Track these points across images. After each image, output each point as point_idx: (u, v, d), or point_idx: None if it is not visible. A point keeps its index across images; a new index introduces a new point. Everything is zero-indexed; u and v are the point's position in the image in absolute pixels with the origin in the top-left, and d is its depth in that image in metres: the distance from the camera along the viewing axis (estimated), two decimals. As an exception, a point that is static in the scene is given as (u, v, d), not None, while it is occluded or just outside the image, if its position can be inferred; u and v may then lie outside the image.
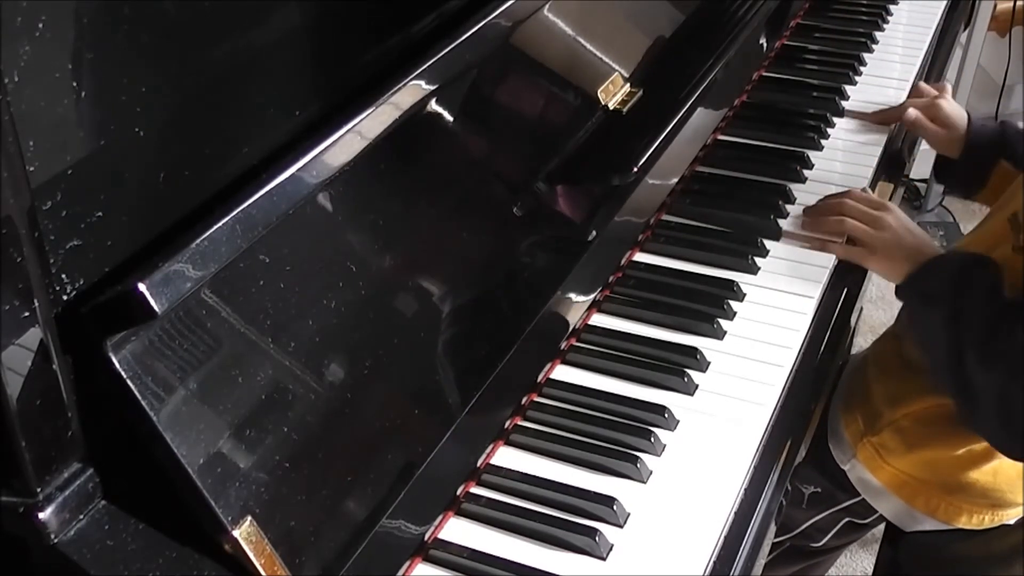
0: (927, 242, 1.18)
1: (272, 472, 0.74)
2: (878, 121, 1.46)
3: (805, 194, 1.30)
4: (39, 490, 0.67)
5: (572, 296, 1.04)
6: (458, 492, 0.91)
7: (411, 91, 0.89)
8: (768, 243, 1.21)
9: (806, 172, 1.35)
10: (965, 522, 1.24)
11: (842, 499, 1.33)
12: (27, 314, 0.62)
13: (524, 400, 0.99)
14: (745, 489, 0.94)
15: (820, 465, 1.31)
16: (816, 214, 1.25)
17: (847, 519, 1.36)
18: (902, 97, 1.53)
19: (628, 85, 1.18)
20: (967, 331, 1.06)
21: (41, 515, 0.67)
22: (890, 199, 1.36)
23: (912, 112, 1.41)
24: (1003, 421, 1.05)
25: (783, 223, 1.25)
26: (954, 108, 1.41)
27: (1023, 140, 1.34)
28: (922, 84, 1.49)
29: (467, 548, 0.87)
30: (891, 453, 1.24)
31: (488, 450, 0.95)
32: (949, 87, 1.47)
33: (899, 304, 1.24)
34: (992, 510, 1.23)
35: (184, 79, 0.73)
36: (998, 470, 1.20)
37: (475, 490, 0.92)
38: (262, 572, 0.71)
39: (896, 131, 1.47)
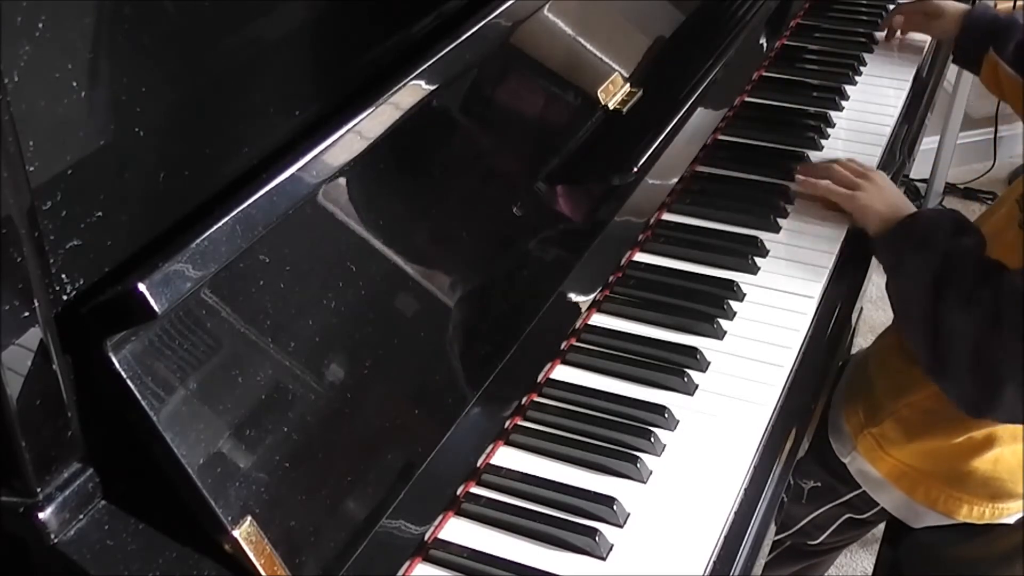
0: (910, 204, 1.23)
1: (272, 472, 0.74)
2: (882, 27, 1.64)
3: (805, 194, 1.30)
4: (39, 490, 0.67)
5: (572, 296, 1.04)
6: (458, 492, 0.91)
7: (411, 91, 0.89)
8: (768, 243, 1.21)
9: (806, 172, 1.35)
10: (965, 515, 1.24)
11: (842, 492, 1.33)
12: (27, 314, 0.62)
13: (524, 400, 0.99)
14: (745, 489, 0.94)
15: (820, 459, 1.31)
16: (805, 172, 1.30)
17: (846, 515, 1.36)
18: (902, 97, 1.53)
19: (628, 85, 1.18)
20: (954, 271, 1.08)
21: (41, 515, 0.67)
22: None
23: (899, 18, 1.60)
24: (975, 371, 1.06)
25: (783, 223, 1.25)
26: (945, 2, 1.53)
27: (1013, 35, 1.40)
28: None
29: (467, 548, 0.87)
30: (892, 444, 1.24)
31: (488, 450, 0.95)
32: None
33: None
34: (992, 502, 1.23)
35: (184, 79, 0.73)
36: (999, 459, 1.20)
37: (475, 490, 0.92)
38: (262, 572, 0.71)
39: (896, 131, 1.47)
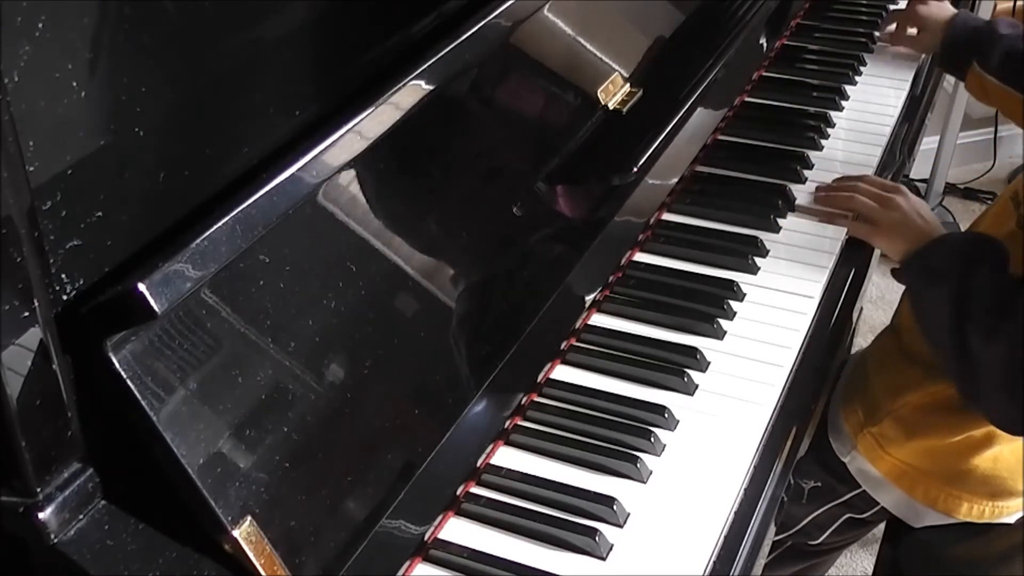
0: (936, 225, 1.20)
1: (272, 472, 0.74)
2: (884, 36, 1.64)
3: (805, 194, 1.30)
4: (39, 490, 0.67)
5: (572, 296, 1.04)
6: (458, 492, 0.91)
7: (411, 91, 0.89)
8: (768, 243, 1.22)
9: (806, 172, 1.35)
10: (965, 513, 1.24)
11: (842, 492, 1.33)
12: (27, 314, 0.62)
13: (524, 400, 0.99)
14: (745, 489, 0.94)
15: (820, 459, 1.31)
16: (829, 190, 1.28)
17: (847, 515, 1.36)
18: (902, 97, 1.53)
19: (628, 85, 1.18)
20: (972, 306, 1.07)
21: (41, 515, 0.67)
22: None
23: (889, 27, 1.61)
24: (1007, 395, 1.05)
25: (783, 223, 1.25)
26: (930, 10, 1.53)
27: (995, 45, 1.41)
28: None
29: (467, 548, 0.87)
30: (891, 443, 1.24)
31: (488, 450, 0.95)
32: None
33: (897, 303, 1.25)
34: (992, 500, 1.23)
35: (184, 79, 0.73)
36: (998, 457, 1.20)
37: (475, 490, 0.92)
38: (262, 572, 0.71)
39: (896, 131, 1.47)
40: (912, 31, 1.60)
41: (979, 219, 1.32)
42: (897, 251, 1.19)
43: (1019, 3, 2.49)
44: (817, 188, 1.29)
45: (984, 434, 1.19)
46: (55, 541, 0.67)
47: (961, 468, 1.22)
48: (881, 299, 2.36)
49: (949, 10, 1.52)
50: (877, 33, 1.67)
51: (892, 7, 1.74)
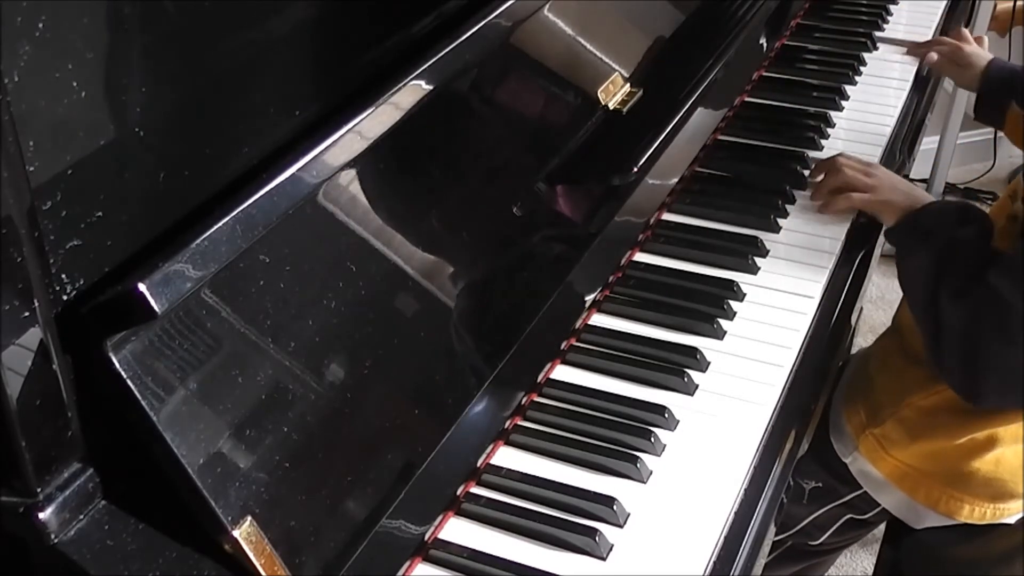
0: (920, 190, 1.25)
1: (272, 472, 0.74)
2: (910, 52, 1.63)
3: (805, 194, 1.30)
4: (39, 490, 0.67)
5: (572, 296, 1.04)
6: (458, 492, 0.91)
7: (411, 91, 0.89)
8: (768, 243, 1.22)
9: (806, 172, 1.35)
10: (967, 515, 1.24)
11: (843, 493, 1.33)
12: (27, 314, 0.62)
13: (524, 400, 0.99)
14: (745, 489, 0.94)
15: (821, 459, 1.31)
16: (816, 177, 1.31)
17: (847, 515, 1.36)
18: (902, 97, 1.53)
19: (628, 85, 1.18)
20: (950, 265, 1.10)
21: (41, 515, 0.67)
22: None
23: (933, 55, 1.58)
24: (963, 361, 1.08)
25: (783, 223, 1.25)
26: (975, 50, 1.56)
27: None
28: (942, 38, 1.63)
29: (467, 548, 0.87)
30: (894, 444, 1.24)
31: (488, 450, 0.95)
32: (967, 33, 1.61)
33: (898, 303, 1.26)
34: (993, 502, 1.23)
35: (184, 79, 0.73)
36: (1000, 459, 1.20)
37: (475, 490, 0.92)
38: (262, 572, 0.71)
39: (896, 131, 1.47)
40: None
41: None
42: (894, 212, 1.22)
43: (1019, 3, 2.49)
44: (810, 184, 1.32)
45: (987, 437, 1.19)
46: (55, 541, 0.67)
47: (963, 470, 1.22)
48: (881, 299, 2.36)
49: (987, 56, 1.55)
50: (877, 34, 1.67)
51: (893, 7, 1.74)
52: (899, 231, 1.20)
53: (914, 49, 1.63)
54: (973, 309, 1.07)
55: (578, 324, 1.08)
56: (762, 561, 0.94)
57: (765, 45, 1.55)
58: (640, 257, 1.19)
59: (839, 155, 1.31)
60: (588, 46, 1.16)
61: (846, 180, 1.26)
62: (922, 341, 1.15)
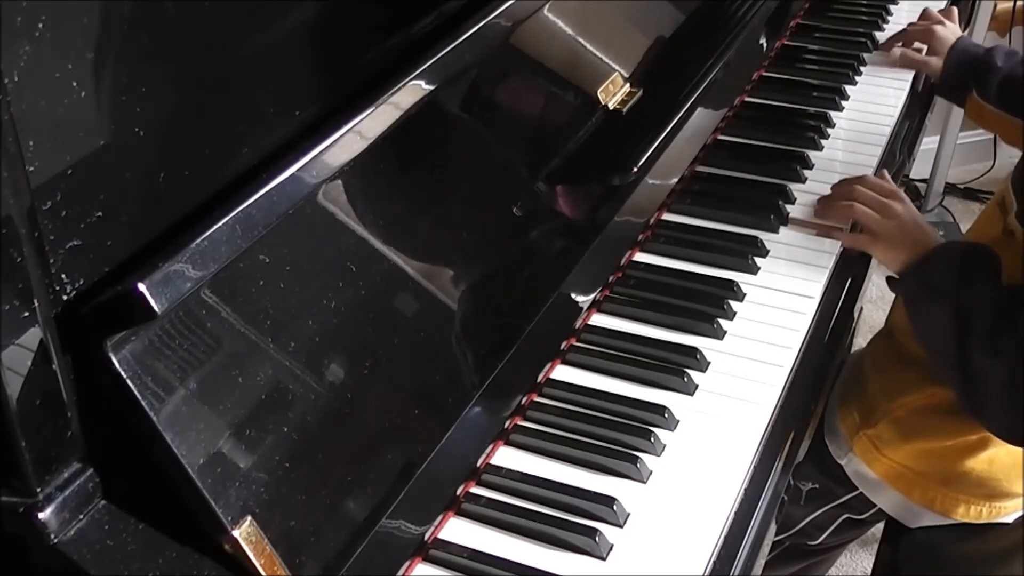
0: (932, 236, 1.18)
1: (272, 472, 0.74)
2: (881, 48, 1.63)
3: (805, 194, 1.30)
4: (39, 490, 0.67)
5: (572, 296, 1.04)
6: (458, 492, 0.91)
7: (411, 91, 0.89)
8: (768, 243, 1.21)
9: (806, 172, 1.35)
10: (963, 514, 1.24)
11: (840, 494, 1.33)
12: (27, 314, 0.62)
13: (524, 400, 0.99)
14: (745, 489, 0.94)
15: (817, 461, 1.31)
16: (828, 200, 1.27)
17: (845, 515, 1.36)
18: (902, 97, 1.53)
19: (628, 85, 1.18)
20: (972, 322, 1.06)
21: (41, 515, 0.67)
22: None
23: (896, 51, 1.58)
24: (1010, 408, 1.06)
25: (783, 223, 1.25)
26: (947, 33, 1.53)
27: (994, 75, 1.42)
28: (928, 9, 1.60)
29: (467, 548, 0.87)
30: (887, 445, 1.24)
31: (488, 450, 0.95)
32: (955, 12, 1.58)
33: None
34: (989, 501, 1.23)
35: (184, 79, 0.73)
36: (993, 459, 1.20)
37: (475, 490, 0.92)
38: (262, 572, 0.71)
39: (896, 131, 1.47)
40: (922, 47, 1.59)
41: (973, 224, 1.33)
42: (894, 261, 1.18)
43: (1019, 3, 2.49)
44: (818, 200, 1.28)
45: (979, 437, 1.19)
46: (55, 541, 0.67)
47: (957, 470, 1.22)
48: (881, 299, 2.36)
49: (956, 35, 1.54)
50: (877, 34, 1.67)
51: (892, 7, 1.74)
52: (905, 286, 1.17)
53: (885, 44, 1.62)
54: (1012, 361, 1.03)
55: (578, 324, 1.08)
56: (762, 561, 0.94)
57: (765, 45, 1.55)
58: (640, 257, 1.19)
59: (863, 180, 1.24)
60: (588, 46, 1.16)
61: (855, 216, 1.22)
62: (953, 390, 1.12)
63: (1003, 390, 1.05)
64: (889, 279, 1.19)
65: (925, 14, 1.59)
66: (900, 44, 1.61)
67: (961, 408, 1.14)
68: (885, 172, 1.31)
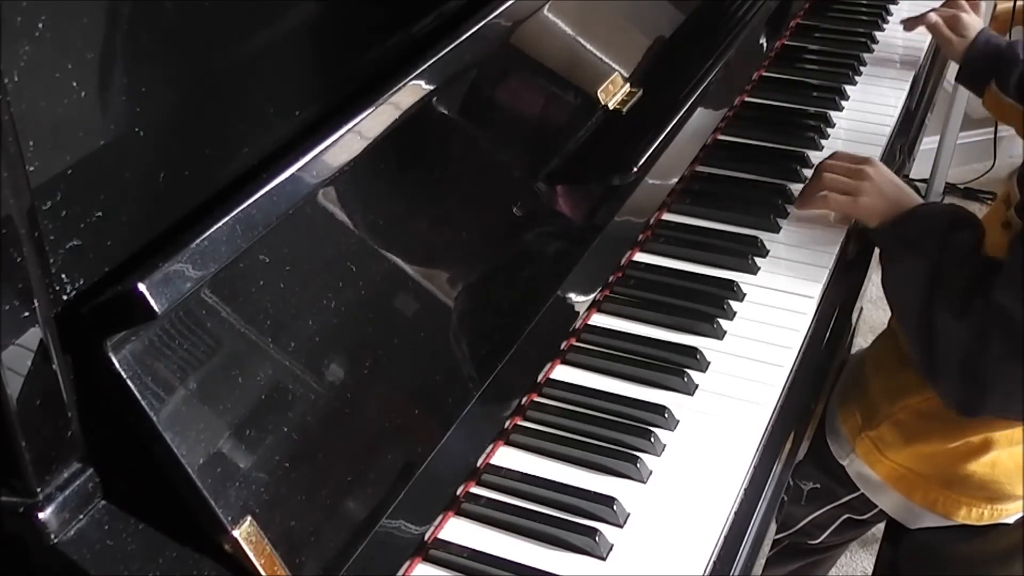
0: (910, 192, 1.21)
1: (272, 472, 0.74)
2: (908, 28, 1.62)
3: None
4: (39, 490, 0.67)
5: (572, 296, 1.04)
6: (458, 492, 0.91)
7: (411, 91, 0.89)
8: (768, 243, 1.21)
9: (806, 172, 1.35)
10: (964, 516, 1.24)
11: (841, 495, 1.33)
12: (27, 314, 0.62)
13: (524, 400, 0.99)
14: (745, 489, 0.94)
15: (818, 461, 1.31)
16: (803, 188, 1.28)
17: (846, 515, 1.36)
18: (902, 97, 1.53)
19: (628, 85, 1.18)
20: (945, 281, 1.08)
21: (41, 515, 0.67)
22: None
23: (933, 16, 1.56)
24: (963, 376, 1.07)
25: (783, 223, 1.25)
26: (973, 21, 1.53)
27: (1015, 68, 1.43)
28: (939, 8, 1.60)
29: (467, 548, 0.87)
30: (889, 447, 1.24)
31: (488, 450, 0.95)
32: (982, 5, 1.60)
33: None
34: (991, 503, 1.23)
35: (184, 79, 0.73)
36: (996, 462, 1.20)
37: (475, 490, 0.92)
38: (262, 572, 0.71)
39: (896, 131, 1.47)
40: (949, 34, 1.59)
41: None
42: (875, 218, 1.20)
43: (1019, 3, 2.49)
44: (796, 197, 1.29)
45: (982, 440, 1.19)
46: (55, 541, 0.67)
47: (959, 473, 1.22)
48: (881, 299, 2.34)
49: (979, 26, 1.54)
50: (877, 34, 1.67)
51: (892, 7, 1.74)
52: (884, 237, 1.18)
53: (912, 23, 1.61)
54: (978, 328, 1.04)
55: (578, 324, 1.08)
56: (762, 561, 0.94)
57: (765, 45, 1.55)
58: (640, 257, 1.19)
59: (830, 156, 1.28)
60: (588, 46, 1.16)
61: (826, 185, 1.23)
62: (910, 348, 1.14)
63: (959, 355, 1.06)
64: (871, 232, 1.21)
65: (954, 3, 1.59)
66: (928, 19, 1.59)
67: (914, 367, 1.15)
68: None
